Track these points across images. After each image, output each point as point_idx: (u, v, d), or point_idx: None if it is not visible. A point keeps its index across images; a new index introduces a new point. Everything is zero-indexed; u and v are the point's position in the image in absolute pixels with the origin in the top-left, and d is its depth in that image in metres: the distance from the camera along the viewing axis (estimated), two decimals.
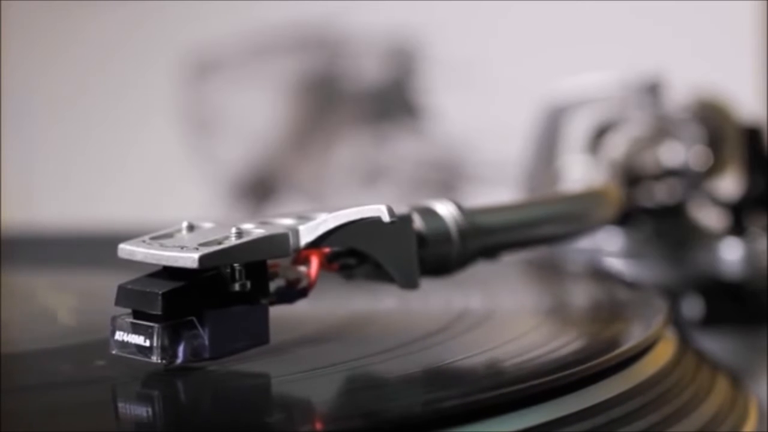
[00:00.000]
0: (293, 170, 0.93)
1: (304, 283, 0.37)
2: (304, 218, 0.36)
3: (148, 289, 0.34)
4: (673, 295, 0.53)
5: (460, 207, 0.40)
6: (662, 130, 0.58)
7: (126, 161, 0.98)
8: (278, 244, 0.35)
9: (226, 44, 0.94)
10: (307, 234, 0.36)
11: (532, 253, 0.51)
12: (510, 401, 0.32)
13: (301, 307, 0.37)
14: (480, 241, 0.40)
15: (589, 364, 0.35)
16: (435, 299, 0.43)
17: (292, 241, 0.35)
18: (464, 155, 0.87)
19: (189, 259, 0.34)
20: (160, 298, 0.34)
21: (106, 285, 0.36)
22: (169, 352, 0.34)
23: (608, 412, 0.34)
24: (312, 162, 0.92)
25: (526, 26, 0.85)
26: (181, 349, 0.34)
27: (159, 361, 0.34)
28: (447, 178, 0.88)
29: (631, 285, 0.50)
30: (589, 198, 0.48)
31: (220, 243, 0.34)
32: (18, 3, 0.99)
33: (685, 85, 0.60)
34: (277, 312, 0.36)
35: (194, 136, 0.96)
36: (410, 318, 0.42)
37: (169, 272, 0.34)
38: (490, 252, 0.41)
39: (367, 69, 0.91)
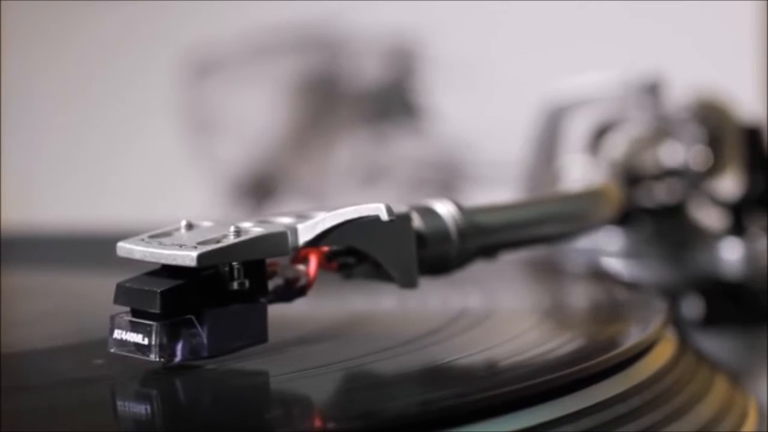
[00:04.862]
0: (293, 170, 0.93)
1: (302, 282, 0.37)
2: (302, 217, 0.36)
3: (146, 288, 0.34)
4: (673, 295, 0.53)
5: (459, 206, 0.40)
6: (662, 130, 0.58)
7: (126, 161, 0.98)
8: (277, 242, 0.35)
9: (226, 44, 0.94)
10: (306, 233, 0.36)
11: (531, 253, 0.51)
12: (508, 401, 0.32)
13: (299, 305, 0.37)
14: (479, 241, 0.40)
15: (588, 364, 0.35)
16: (434, 298, 0.43)
17: (290, 239, 0.35)
18: (464, 155, 0.87)
19: (187, 257, 0.34)
20: (158, 296, 0.34)
21: (105, 284, 0.36)
22: (167, 350, 0.34)
23: (607, 411, 0.34)
24: (312, 162, 0.92)
25: (526, 26, 0.85)
26: (179, 348, 0.34)
27: (157, 359, 0.34)
28: (447, 178, 0.88)
29: (630, 285, 0.50)
30: (589, 198, 0.48)
31: (218, 241, 0.34)
32: (18, 3, 0.99)
33: (685, 85, 0.60)
34: (275, 311, 0.36)
35: (194, 136, 0.96)
36: (409, 317, 0.42)
37: (167, 271, 0.34)
38: (490, 251, 0.41)
39: (367, 69, 0.91)
